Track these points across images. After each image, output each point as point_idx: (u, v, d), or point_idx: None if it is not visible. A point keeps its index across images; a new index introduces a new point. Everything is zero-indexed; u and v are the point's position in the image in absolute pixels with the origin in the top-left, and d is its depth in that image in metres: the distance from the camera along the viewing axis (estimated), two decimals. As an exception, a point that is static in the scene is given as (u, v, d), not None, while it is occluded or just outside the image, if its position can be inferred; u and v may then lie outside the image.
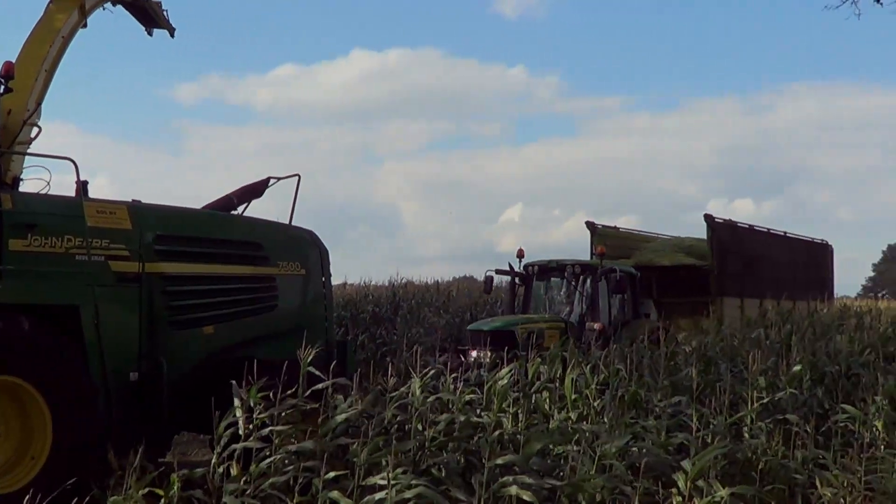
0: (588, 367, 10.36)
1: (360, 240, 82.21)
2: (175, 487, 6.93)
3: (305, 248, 11.75)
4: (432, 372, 9.34)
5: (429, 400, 8.54)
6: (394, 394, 8.63)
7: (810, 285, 27.86)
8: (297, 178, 11.62)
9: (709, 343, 14.42)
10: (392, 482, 6.64)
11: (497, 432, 8.14)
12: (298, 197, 11.62)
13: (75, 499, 7.43)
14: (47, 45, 12.01)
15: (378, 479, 6.82)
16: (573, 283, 20.27)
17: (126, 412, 9.30)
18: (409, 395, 8.73)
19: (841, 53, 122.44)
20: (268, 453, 7.37)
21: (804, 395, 11.06)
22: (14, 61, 10.16)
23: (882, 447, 8.79)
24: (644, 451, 8.04)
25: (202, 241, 10.61)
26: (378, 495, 6.66)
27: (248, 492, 7.14)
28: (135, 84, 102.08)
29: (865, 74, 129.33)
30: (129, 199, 10.25)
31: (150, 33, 14.72)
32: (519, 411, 8.83)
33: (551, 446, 8.21)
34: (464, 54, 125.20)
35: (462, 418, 8.37)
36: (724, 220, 25.96)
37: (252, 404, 7.66)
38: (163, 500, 6.93)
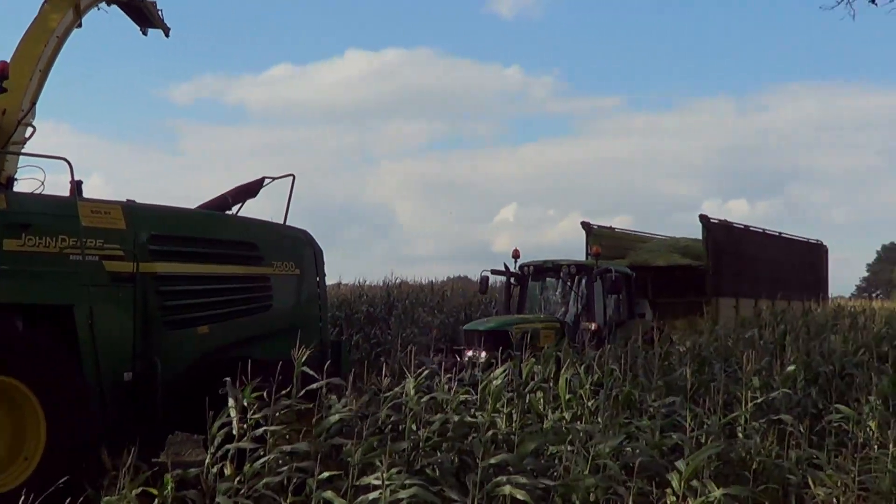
0: (582, 367, 10.37)
1: (355, 240, 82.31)
2: (169, 487, 6.93)
3: (300, 248, 11.75)
4: (426, 372, 9.36)
5: (423, 400, 8.55)
6: (388, 394, 8.63)
7: (805, 285, 27.93)
8: (291, 178, 11.63)
9: (703, 343, 14.43)
10: (386, 482, 6.64)
11: (491, 432, 8.14)
12: (293, 197, 11.64)
13: (69, 499, 7.42)
14: (42, 44, 11.98)
15: (372, 480, 6.83)
16: (569, 283, 20.29)
17: (120, 412, 9.29)
18: (404, 395, 8.74)
19: (836, 54, 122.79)
20: (262, 453, 7.37)
21: (798, 395, 11.06)
22: (8, 61, 10.17)
23: (876, 447, 8.79)
24: (638, 451, 8.04)
25: (197, 240, 10.61)
26: (372, 495, 6.67)
27: (241, 492, 7.15)
28: (130, 84, 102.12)
29: (860, 75, 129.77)
30: (124, 199, 10.24)
31: (144, 33, 14.70)
32: (513, 411, 8.84)
33: (545, 446, 8.21)
34: (459, 54, 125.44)
35: (456, 418, 8.37)
36: (720, 220, 26.02)
37: (246, 404, 7.67)
38: (156, 501, 6.93)
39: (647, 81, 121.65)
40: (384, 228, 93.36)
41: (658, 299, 23.97)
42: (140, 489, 6.91)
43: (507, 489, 6.89)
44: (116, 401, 9.29)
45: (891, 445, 8.40)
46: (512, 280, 20.99)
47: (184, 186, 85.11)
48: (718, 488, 7.07)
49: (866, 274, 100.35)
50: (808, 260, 30.65)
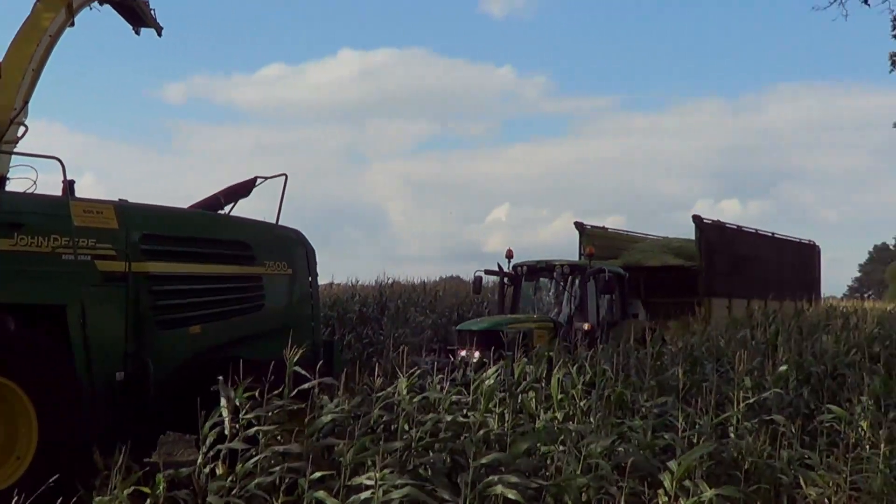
0: (574, 367, 10.38)
1: (348, 240, 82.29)
2: (160, 487, 6.93)
3: (292, 248, 11.73)
4: (419, 372, 9.36)
5: (415, 400, 8.55)
6: (380, 394, 8.63)
7: (798, 286, 27.96)
8: (284, 177, 11.62)
9: (695, 343, 14.45)
10: (379, 482, 6.64)
11: (482, 431, 8.14)
12: (285, 196, 11.63)
13: (61, 498, 7.40)
14: (34, 43, 11.98)
15: (364, 480, 6.83)
16: (562, 283, 20.30)
17: (112, 412, 9.27)
18: (396, 395, 8.74)
19: (829, 55, 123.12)
20: (253, 453, 7.36)
21: (790, 395, 11.10)
22: (1, 60, 10.16)
23: (867, 447, 8.81)
24: (630, 451, 8.05)
25: (189, 240, 10.58)
26: (364, 495, 6.66)
27: (233, 492, 7.14)
28: (122, 83, 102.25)
29: (853, 75, 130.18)
30: (116, 199, 10.22)
31: (137, 32, 14.70)
32: (505, 411, 8.83)
33: (537, 446, 8.21)
34: (451, 54, 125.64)
35: (448, 418, 8.37)
36: (713, 220, 26.05)
37: (238, 404, 7.67)
38: (148, 500, 6.93)
39: (639, 82, 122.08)
40: (377, 228, 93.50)
41: (651, 299, 24.01)
42: (132, 489, 6.91)
43: (498, 489, 6.89)
44: (108, 400, 9.27)
45: (882, 445, 8.42)
46: (505, 280, 21.00)
47: (176, 186, 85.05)
48: (710, 488, 7.07)
49: (858, 274, 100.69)
50: (801, 260, 30.70)
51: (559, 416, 9.37)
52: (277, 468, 7.25)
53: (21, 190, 9.62)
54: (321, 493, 6.78)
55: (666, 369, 11.64)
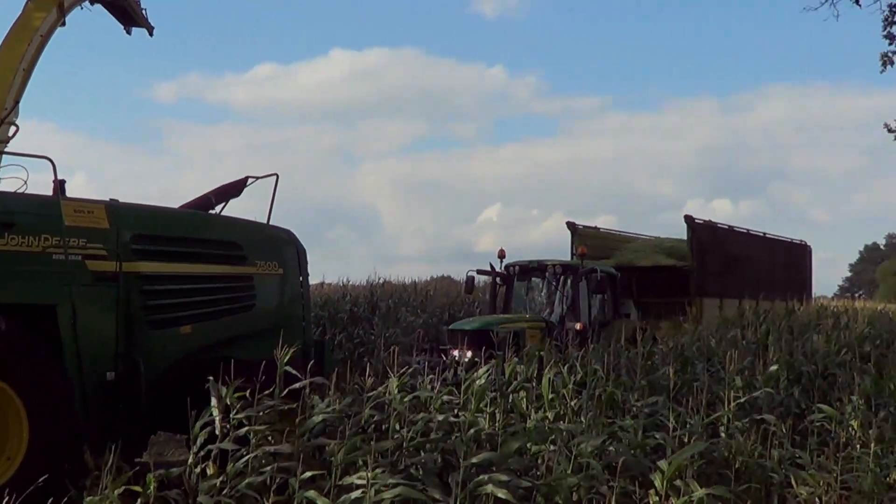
0: (565, 366, 10.38)
1: (339, 239, 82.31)
2: (151, 487, 6.92)
3: (283, 248, 11.72)
4: (410, 370, 9.36)
5: (406, 399, 8.55)
6: (371, 394, 8.63)
7: (790, 286, 27.99)
8: (275, 177, 11.60)
9: (686, 343, 14.46)
10: (371, 482, 6.64)
11: (473, 430, 8.14)
12: (276, 196, 11.61)
13: (51, 499, 7.39)
14: (25, 43, 11.98)
15: (355, 479, 6.83)
16: (554, 283, 20.33)
17: (103, 412, 9.25)
18: (387, 394, 8.73)
19: (820, 55, 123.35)
20: (244, 453, 7.36)
21: (781, 394, 11.11)
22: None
23: (858, 446, 8.83)
24: (620, 450, 8.06)
25: (180, 240, 10.57)
26: (354, 494, 6.66)
27: (224, 491, 7.14)
28: (113, 83, 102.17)
29: (844, 76, 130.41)
30: (107, 199, 10.21)
31: (128, 32, 14.72)
32: (496, 411, 8.84)
33: (528, 446, 8.22)
34: (443, 54, 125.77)
35: (440, 417, 8.37)
36: (705, 221, 26.08)
37: (229, 404, 7.66)
38: (139, 500, 6.92)
39: (630, 82, 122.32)
40: (368, 228, 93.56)
41: (643, 299, 24.03)
42: (122, 489, 6.92)
43: (489, 488, 6.89)
44: (99, 400, 9.24)
45: (872, 445, 8.44)
46: (497, 280, 21.03)
47: (167, 186, 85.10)
48: (701, 488, 7.08)
49: (849, 274, 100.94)
50: (792, 260, 30.76)
51: (550, 415, 9.38)
52: (268, 468, 7.25)
53: (12, 189, 9.59)
54: (312, 493, 6.77)
55: (657, 369, 11.65)
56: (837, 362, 13.12)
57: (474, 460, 7.24)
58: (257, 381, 7.65)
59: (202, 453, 7.51)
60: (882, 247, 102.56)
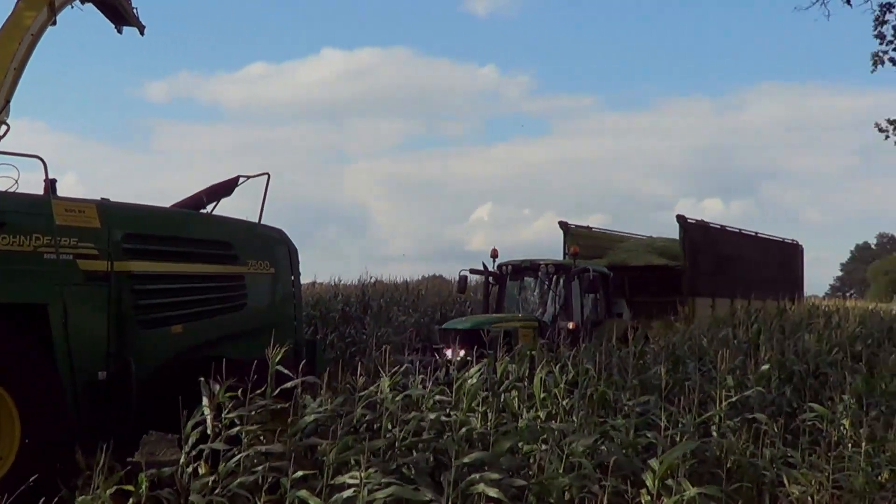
0: (557, 366, 10.38)
1: (330, 239, 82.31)
2: (143, 487, 6.91)
3: (275, 247, 11.70)
4: (402, 369, 9.37)
5: (398, 399, 8.54)
6: (363, 393, 8.62)
7: (782, 285, 28.06)
8: (266, 176, 11.58)
9: (677, 342, 14.48)
10: (364, 481, 6.64)
11: (464, 429, 8.14)
12: (268, 196, 11.59)
13: (43, 499, 7.38)
14: (16, 42, 11.96)
15: (347, 479, 6.83)
16: (547, 282, 20.35)
17: (94, 411, 9.24)
18: (379, 394, 8.73)
19: (811, 54, 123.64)
20: (236, 452, 7.35)
21: (772, 393, 11.13)
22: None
23: (849, 445, 8.85)
24: (612, 449, 8.06)
25: (171, 239, 10.55)
26: (346, 493, 6.66)
27: (216, 491, 7.13)
28: (105, 82, 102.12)
29: (835, 75, 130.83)
30: (98, 198, 10.20)
31: (119, 31, 14.70)
32: (488, 410, 8.84)
33: (520, 445, 8.22)
34: (435, 53, 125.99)
35: (432, 416, 8.37)
36: (697, 220, 26.12)
37: (221, 403, 7.65)
38: (131, 500, 6.91)
39: (622, 81, 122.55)
40: (359, 227, 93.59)
41: (636, 299, 24.07)
42: (114, 488, 6.90)
43: (480, 487, 6.89)
44: (90, 400, 9.22)
45: (864, 444, 8.46)
46: (490, 279, 21.04)
47: (159, 185, 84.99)
48: (693, 487, 7.09)
49: (840, 273, 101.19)
50: (784, 259, 30.82)
51: (542, 414, 9.37)
52: (260, 467, 7.25)
53: (2, 189, 9.58)
54: (304, 493, 6.77)
55: (648, 368, 11.66)
56: (829, 361, 13.15)
57: (466, 460, 7.24)
58: (249, 381, 7.64)
59: (194, 453, 7.50)
60: (873, 246, 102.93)
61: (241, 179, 11.90)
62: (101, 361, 9.43)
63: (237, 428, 7.57)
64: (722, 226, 27.75)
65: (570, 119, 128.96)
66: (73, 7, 13.45)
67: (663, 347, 13.54)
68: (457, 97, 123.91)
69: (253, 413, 7.71)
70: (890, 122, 23.62)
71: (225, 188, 11.91)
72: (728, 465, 8.31)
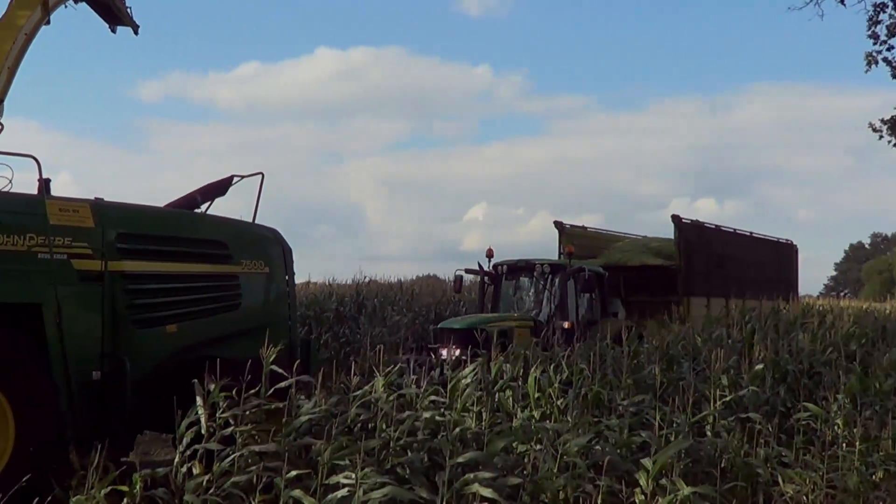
0: (551, 365, 10.38)
1: (324, 238, 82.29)
2: (137, 486, 6.92)
3: (269, 247, 11.69)
4: (396, 368, 9.36)
5: (392, 398, 8.54)
6: (357, 393, 8.62)
7: (776, 285, 28.04)
8: (260, 176, 11.59)
9: (671, 342, 14.47)
10: (360, 481, 6.63)
11: (459, 429, 8.14)
12: (262, 195, 11.60)
13: (37, 498, 7.37)
14: (10, 42, 11.93)
15: (341, 478, 6.82)
16: (542, 282, 20.34)
17: (89, 411, 9.23)
18: (373, 393, 8.73)
19: (805, 54, 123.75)
20: (230, 452, 7.35)
21: (766, 393, 11.13)
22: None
23: (843, 445, 8.87)
24: (606, 449, 8.07)
25: (165, 239, 10.54)
26: (340, 493, 6.66)
27: (210, 491, 7.13)
28: (98, 81, 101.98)
29: (829, 75, 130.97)
30: (92, 197, 10.18)
31: (113, 31, 14.65)
32: (482, 410, 8.84)
33: (514, 445, 8.22)
34: (428, 53, 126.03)
35: (426, 416, 8.37)
36: (692, 220, 26.12)
37: (215, 403, 7.65)
38: (125, 500, 6.92)
39: (616, 81, 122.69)
40: (353, 227, 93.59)
41: (631, 299, 24.08)
42: (109, 488, 6.90)
43: (475, 487, 6.89)
44: (85, 400, 9.22)
45: (858, 443, 8.48)
46: (486, 279, 21.03)
47: (152, 185, 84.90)
48: (687, 486, 7.10)
49: (834, 273, 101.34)
50: (778, 259, 30.83)
51: (536, 414, 9.38)
52: (254, 467, 7.24)
53: (-4, 188, 9.57)
54: (298, 492, 6.77)
55: (643, 368, 11.67)
56: (823, 361, 13.15)
57: (461, 459, 7.24)
58: (243, 381, 7.65)
59: (188, 452, 7.50)
60: (867, 246, 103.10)
61: (236, 179, 11.90)
62: (96, 361, 9.44)
63: (231, 428, 7.58)
64: (717, 226, 27.74)
65: (565, 119, 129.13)
66: (66, 6, 13.41)
67: (658, 347, 13.53)
68: (451, 97, 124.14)
69: (247, 413, 7.71)
70: (884, 121, 23.72)
71: (219, 188, 11.90)
72: (722, 465, 8.31)
